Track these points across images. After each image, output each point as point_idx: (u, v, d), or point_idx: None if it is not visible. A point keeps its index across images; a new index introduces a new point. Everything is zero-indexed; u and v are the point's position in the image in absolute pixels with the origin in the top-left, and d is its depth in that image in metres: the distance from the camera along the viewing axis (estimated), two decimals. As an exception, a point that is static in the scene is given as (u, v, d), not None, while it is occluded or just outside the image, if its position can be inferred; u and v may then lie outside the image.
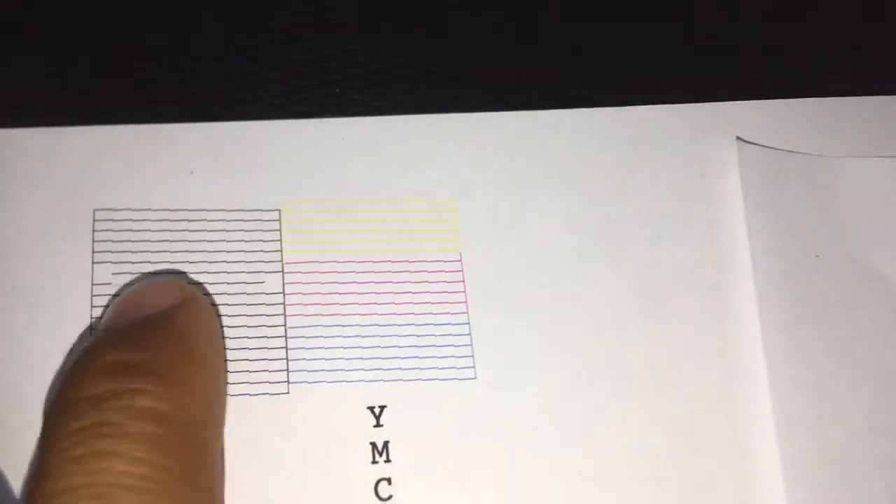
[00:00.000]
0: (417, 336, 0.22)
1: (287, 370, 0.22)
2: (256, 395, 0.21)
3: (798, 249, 0.24)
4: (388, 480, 0.21)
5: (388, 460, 0.21)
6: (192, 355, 0.19)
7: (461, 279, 0.23)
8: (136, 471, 0.16)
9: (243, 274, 0.23)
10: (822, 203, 0.25)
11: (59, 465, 0.16)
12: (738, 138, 0.25)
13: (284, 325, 0.22)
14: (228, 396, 0.21)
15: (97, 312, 0.21)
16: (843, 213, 0.25)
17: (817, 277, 0.24)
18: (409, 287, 0.23)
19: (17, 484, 0.19)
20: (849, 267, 0.24)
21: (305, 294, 0.23)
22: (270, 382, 0.22)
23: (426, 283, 0.23)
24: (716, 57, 0.27)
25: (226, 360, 0.21)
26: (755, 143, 0.25)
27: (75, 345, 0.21)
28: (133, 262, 0.22)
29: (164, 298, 0.20)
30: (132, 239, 0.22)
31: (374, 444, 0.21)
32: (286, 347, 0.22)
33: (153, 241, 0.23)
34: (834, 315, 0.23)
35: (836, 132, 0.26)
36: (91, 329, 0.21)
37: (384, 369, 0.22)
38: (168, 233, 0.23)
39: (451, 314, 0.23)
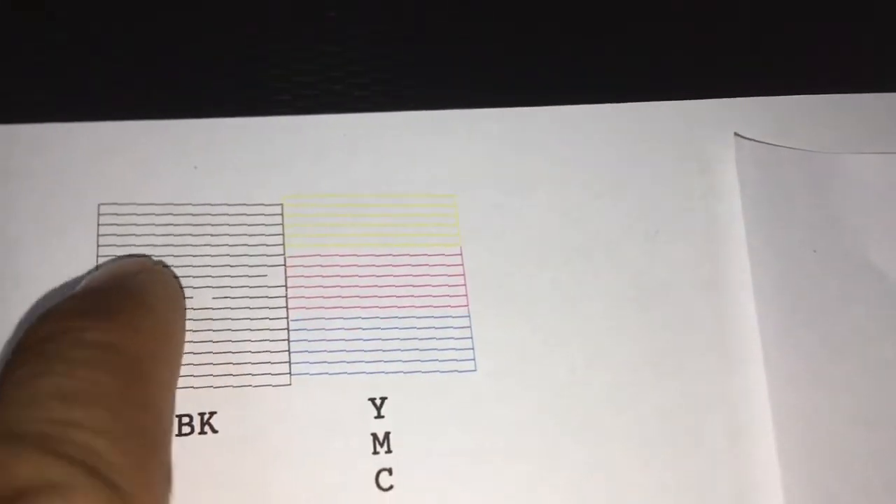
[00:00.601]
0: (418, 329, 0.23)
1: (289, 362, 0.22)
2: (259, 386, 0.22)
3: (795, 244, 0.24)
4: (389, 471, 0.21)
5: (388, 451, 0.21)
6: (145, 306, 0.19)
7: (462, 273, 0.23)
8: (71, 384, 0.16)
9: (246, 268, 0.23)
10: (819, 199, 0.25)
11: (1, 390, 0.16)
12: (735, 134, 0.26)
13: (287, 318, 0.22)
14: (231, 388, 0.21)
15: (102, 305, 0.22)
16: (841, 209, 0.25)
17: (814, 272, 0.24)
18: (411, 281, 0.23)
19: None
20: (845, 262, 0.24)
21: (307, 287, 0.23)
22: (273, 374, 0.22)
23: (427, 277, 0.23)
24: (714, 53, 0.27)
25: (184, 328, 0.21)
26: (753, 140, 0.25)
27: None
28: (137, 257, 0.22)
29: (127, 269, 0.20)
30: (136, 233, 0.23)
31: (375, 435, 0.22)
32: (288, 340, 0.22)
33: (157, 236, 0.23)
34: (831, 309, 0.24)
35: (834, 128, 0.26)
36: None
37: (385, 361, 0.22)
38: (172, 227, 0.23)
39: (452, 307, 0.23)
